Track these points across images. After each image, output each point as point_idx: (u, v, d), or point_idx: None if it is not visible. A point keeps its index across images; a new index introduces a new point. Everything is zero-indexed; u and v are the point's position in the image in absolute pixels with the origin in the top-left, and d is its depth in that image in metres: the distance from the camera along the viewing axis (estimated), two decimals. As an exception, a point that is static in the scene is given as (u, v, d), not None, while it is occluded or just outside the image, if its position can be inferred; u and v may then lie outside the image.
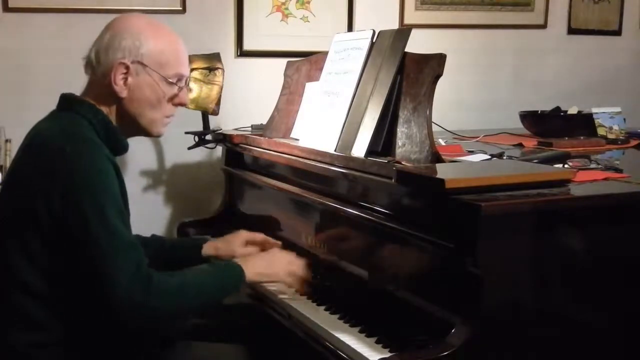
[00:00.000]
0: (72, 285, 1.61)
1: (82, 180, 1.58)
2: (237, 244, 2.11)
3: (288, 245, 2.26)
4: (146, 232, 2.13)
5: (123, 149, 1.78)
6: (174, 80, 1.75)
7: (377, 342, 1.63)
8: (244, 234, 2.14)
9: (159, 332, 1.84)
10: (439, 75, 1.87)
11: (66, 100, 1.75)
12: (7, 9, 2.88)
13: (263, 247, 2.11)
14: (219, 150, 2.99)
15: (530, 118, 2.98)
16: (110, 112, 1.74)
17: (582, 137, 2.70)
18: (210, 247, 2.12)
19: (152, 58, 1.71)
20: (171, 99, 1.77)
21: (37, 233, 1.60)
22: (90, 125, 1.69)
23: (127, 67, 1.69)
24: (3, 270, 1.65)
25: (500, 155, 2.18)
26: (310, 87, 2.39)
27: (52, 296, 1.62)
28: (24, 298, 1.62)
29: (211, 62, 2.84)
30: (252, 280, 1.84)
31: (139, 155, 3.01)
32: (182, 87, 1.79)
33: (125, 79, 1.70)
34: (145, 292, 1.58)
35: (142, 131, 1.80)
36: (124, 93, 1.71)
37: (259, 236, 2.14)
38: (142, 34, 1.71)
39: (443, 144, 2.43)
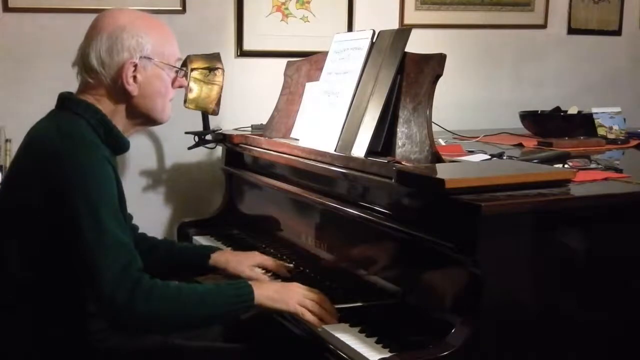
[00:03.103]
0: (64, 286, 1.63)
1: (77, 180, 1.58)
2: (247, 264, 2.09)
3: (288, 245, 2.27)
4: (146, 232, 2.14)
5: (124, 147, 1.79)
6: (176, 65, 1.81)
7: (377, 342, 1.63)
8: (257, 257, 2.13)
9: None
10: (439, 75, 1.87)
11: (64, 100, 1.75)
12: (7, 9, 2.88)
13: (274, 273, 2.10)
14: (219, 150, 2.99)
15: (530, 118, 2.98)
16: (115, 111, 1.75)
17: (582, 137, 2.70)
18: (221, 257, 2.10)
19: (156, 50, 1.74)
20: (172, 83, 1.81)
21: (32, 232, 1.61)
22: (89, 125, 1.69)
23: (136, 65, 1.71)
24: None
25: (500, 155, 2.18)
26: (310, 87, 2.39)
27: (48, 296, 1.64)
28: (20, 297, 1.65)
29: (211, 62, 2.84)
30: (260, 303, 1.72)
31: (139, 155, 3.01)
32: (184, 69, 1.85)
33: (135, 77, 1.72)
34: (131, 293, 1.56)
35: (153, 122, 1.84)
36: (135, 91, 1.73)
37: (270, 261, 2.12)
38: (140, 29, 1.72)
39: (443, 144, 2.43)
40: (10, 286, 1.65)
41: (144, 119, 1.80)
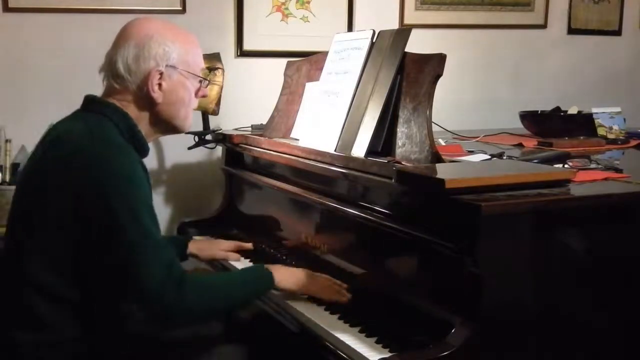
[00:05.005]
0: (93, 288, 1.63)
1: (114, 183, 1.59)
2: (218, 248, 2.30)
3: (288, 245, 2.27)
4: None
5: (145, 152, 1.80)
6: (200, 75, 1.83)
7: (377, 342, 1.64)
8: (224, 242, 2.34)
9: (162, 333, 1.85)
10: (439, 75, 1.87)
11: (91, 102, 1.77)
12: (7, 9, 2.88)
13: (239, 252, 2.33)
14: (219, 150, 3.00)
15: (530, 118, 2.98)
16: (139, 117, 1.77)
17: (582, 137, 2.70)
18: (194, 247, 2.27)
19: (181, 59, 1.77)
20: (196, 93, 1.84)
21: (60, 233, 1.60)
22: (116, 128, 1.71)
23: (161, 73, 1.73)
24: (16, 271, 1.65)
25: (500, 155, 2.18)
26: (310, 87, 2.39)
27: (69, 298, 1.63)
28: (37, 299, 1.62)
29: (211, 62, 2.84)
30: (287, 288, 1.88)
31: (139, 155, 3.01)
32: (207, 79, 1.88)
33: (160, 84, 1.74)
34: (178, 292, 1.61)
35: (174, 130, 1.87)
36: (160, 99, 1.75)
37: (235, 244, 2.33)
38: (167, 38, 1.75)
39: (443, 144, 2.43)
40: (28, 287, 1.63)
41: (166, 126, 1.83)
